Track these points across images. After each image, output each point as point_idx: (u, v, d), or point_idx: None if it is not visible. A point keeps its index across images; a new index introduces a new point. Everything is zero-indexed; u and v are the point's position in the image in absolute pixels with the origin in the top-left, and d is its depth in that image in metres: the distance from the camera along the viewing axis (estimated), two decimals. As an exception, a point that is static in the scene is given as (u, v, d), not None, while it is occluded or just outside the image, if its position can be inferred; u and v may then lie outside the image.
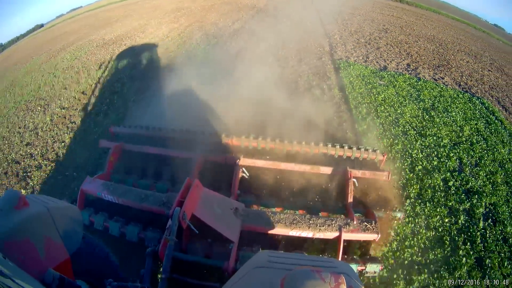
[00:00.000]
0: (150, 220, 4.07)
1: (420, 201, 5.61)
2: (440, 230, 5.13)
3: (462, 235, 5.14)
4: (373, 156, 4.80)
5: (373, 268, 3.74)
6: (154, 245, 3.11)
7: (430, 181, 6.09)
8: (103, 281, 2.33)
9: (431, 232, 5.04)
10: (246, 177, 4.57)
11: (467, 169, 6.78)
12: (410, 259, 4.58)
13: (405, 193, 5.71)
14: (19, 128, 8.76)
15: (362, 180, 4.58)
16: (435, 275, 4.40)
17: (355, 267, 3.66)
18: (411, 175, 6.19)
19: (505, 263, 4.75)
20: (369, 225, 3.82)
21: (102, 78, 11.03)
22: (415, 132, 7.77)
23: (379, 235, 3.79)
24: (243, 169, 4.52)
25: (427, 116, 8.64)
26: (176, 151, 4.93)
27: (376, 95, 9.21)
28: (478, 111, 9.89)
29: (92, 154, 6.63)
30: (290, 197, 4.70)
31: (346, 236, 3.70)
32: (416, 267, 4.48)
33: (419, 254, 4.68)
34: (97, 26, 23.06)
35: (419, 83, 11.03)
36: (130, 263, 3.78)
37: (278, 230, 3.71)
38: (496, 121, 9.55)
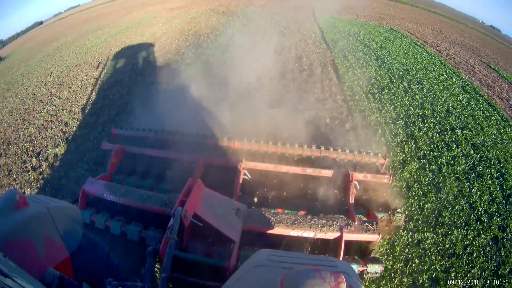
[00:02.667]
0: (151, 220, 4.07)
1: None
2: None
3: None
4: (374, 160, 4.78)
5: (374, 269, 3.71)
6: (155, 244, 3.10)
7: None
8: (103, 280, 2.32)
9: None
10: (248, 179, 4.58)
11: (366, 36, 16.70)
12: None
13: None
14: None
15: None
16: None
17: (356, 268, 3.64)
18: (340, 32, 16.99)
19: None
20: (370, 226, 3.81)
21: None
22: (344, 31, 17.74)
23: (380, 236, 3.77)
24: (245, 171, 4.51)
25: (352, 27, 18.93)
26: (178, 153, 4.92)
27: (329, 23, 19.25)
28: (386, 30, 19.22)
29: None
30: (292, 198, 4.68)
31: (348, 236, 3.69)
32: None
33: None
34: (136, 8, 27.60)
35: (355, 21, 21.42)
36: (130, 262, 3.79)
37: (280, 230, 3.71)
38: (398, 34, 18.44)
